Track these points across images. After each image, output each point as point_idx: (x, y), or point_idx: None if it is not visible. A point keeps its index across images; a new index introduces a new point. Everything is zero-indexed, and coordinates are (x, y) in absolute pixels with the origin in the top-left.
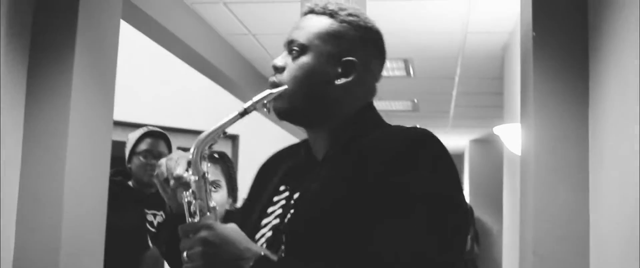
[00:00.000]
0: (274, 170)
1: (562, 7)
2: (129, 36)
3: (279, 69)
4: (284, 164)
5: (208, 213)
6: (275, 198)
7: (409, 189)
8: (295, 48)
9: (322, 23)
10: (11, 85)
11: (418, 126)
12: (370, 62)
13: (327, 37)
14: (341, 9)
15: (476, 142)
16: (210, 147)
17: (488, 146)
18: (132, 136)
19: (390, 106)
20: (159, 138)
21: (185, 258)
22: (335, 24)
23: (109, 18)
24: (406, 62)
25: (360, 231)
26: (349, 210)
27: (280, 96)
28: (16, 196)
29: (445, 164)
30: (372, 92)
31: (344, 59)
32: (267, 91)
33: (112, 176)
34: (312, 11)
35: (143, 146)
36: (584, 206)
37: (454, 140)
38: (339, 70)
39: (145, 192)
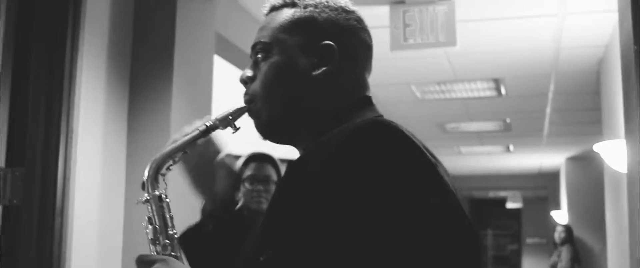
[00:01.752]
0: None
1: None
2: (222, 69)
3: (248, 81)
4: None
5: (166, 241)
6: None
7: (342, 197)
8: (259, 50)
9: (284, 14)
10: (113, 121)
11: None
12: (352, 47)
13: (293, 26)
14: None
15: (572, 160)
16: (168, 168)
17: (586, 163)
18: (237, 163)
19: (482, 126)
20: (265, 162)
21: None
22: (298, 11)
23: (204, 53)
24: (497, 81)
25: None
26: (288, 229)
27: (255, 110)
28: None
29: (395, 157)
30: (362, 84)
31: (319, 44)
32: (232, 106)
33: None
34: (272, 8)
35: (248, 172)
36: None
37: (549, 159)
38: (315, 60)
39: (255, 219)
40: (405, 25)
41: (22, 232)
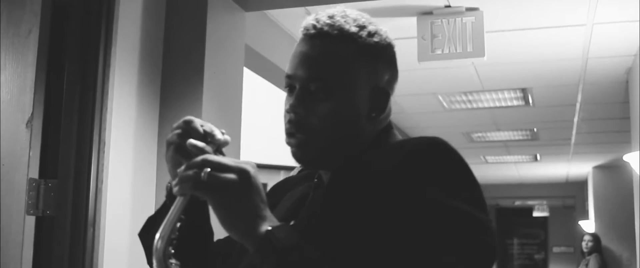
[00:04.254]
0: (282, 194)
1: None
2: (251, 81)
3: (298, 117)
4: (292, 189)
5: None
6: None
7: (422, 201)
8: (320, 88)
9: (343, 51)
10: (144, 133)
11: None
12: (394, 83)
13: (352, 68)
14: (358, 26)
15: (600, 169)
16: (172, 243)
17: (613, 172)
18: None
19: (509, 136)
20: None
21: (204, 176)
22: (357, 48)
23: (234, 66)
24: (525, 91)
25: (370, 243)
26: (353, 222)
27: (301, 141)
28: None
29: (466, 175)
30: (390, 112)
31: (375, 89)
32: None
33: None
34: (320, 32)
35: None
36: None
37: (576, 168)
38: (371, 105)
39: None
40: (433, 36)
41: (55, 243)
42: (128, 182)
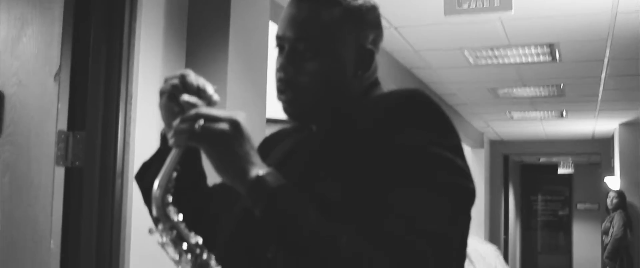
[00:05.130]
0: (274, 145)
1: None
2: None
3: (287, 75)
4: (283, 141)
5: (195, 250)
6: None
7: (406, 149)
8: (308, 48)
9: (329, 13)
10: None
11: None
12: (378, 42)
13: (338, 29)
14: None
15: (627, 125)
16: (170, 192)
17: None
18: None
19: (535, 92)
20: None
21: (198, 127)
22: (342, 10)
23: (259, 19)
24: (552, 47)
25: (353, 194)
26: (339, 174)
27: (289, 98)
28: None
29: (445, 123)
30: (376, 70)
31: (360, 48)
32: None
33: None
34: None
35: None
36: None
37: (602, 124)
38: (358, 63)
39: None
40: None
41: (84, 194)
42: (155, 133)
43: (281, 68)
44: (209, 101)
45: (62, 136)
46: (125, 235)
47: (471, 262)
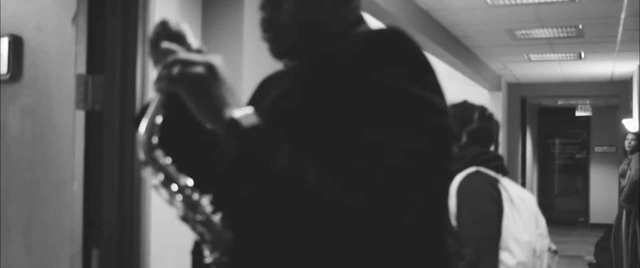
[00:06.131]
0: (271, 87)
1: None
2: None
3: (267, 15)
4: (279, 82)
5: (186, 190)
6: None
7: (381, 86)
8: None
9: None
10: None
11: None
12: None
13: None
14: None
15: None
16: (155, 136)
17: None
18: None
19: (553, 33)
20: None
21: (175, 73)
22: None
23: None
24: None
25: (326, 131)
26: (310, 111)
27: (273, 38)
28: None
29: (420, 61)
30: (358, 6)
31: None
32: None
33: None
34: None
35: None
36: None
37: (621, 66)
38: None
39: None
40: None
41: (105, 137)
42: None
43: (262, 7)
44: (189, 48)
45: (82, 79)
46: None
47: (515, 206)
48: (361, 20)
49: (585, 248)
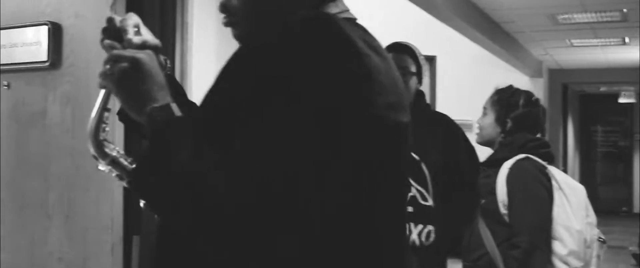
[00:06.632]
0: None
1: None
2: None
3: (225, 3)
4: None
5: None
6: None
7: (281, 75)
8: None
9: None
10: None
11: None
12: None
13: None
14: None
15: None
16: (104, 130)
17: None
18: None
19: (596, 17)
20: (402, 53)
21: (106, 69)
22: None
23: None
24: None
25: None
26: (220, 104)
27: (233, 23)
28: None
29: (345, 48)
30: None
31: None
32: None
33: None
34: None
35: None
36: None
37: None
38: None
39: None
40: None
41: None
42: (212, 63)
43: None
44: (129, 44)
45: None
46: None
47: (564, 195)
48: (322, 3)
49: (628, 239)
